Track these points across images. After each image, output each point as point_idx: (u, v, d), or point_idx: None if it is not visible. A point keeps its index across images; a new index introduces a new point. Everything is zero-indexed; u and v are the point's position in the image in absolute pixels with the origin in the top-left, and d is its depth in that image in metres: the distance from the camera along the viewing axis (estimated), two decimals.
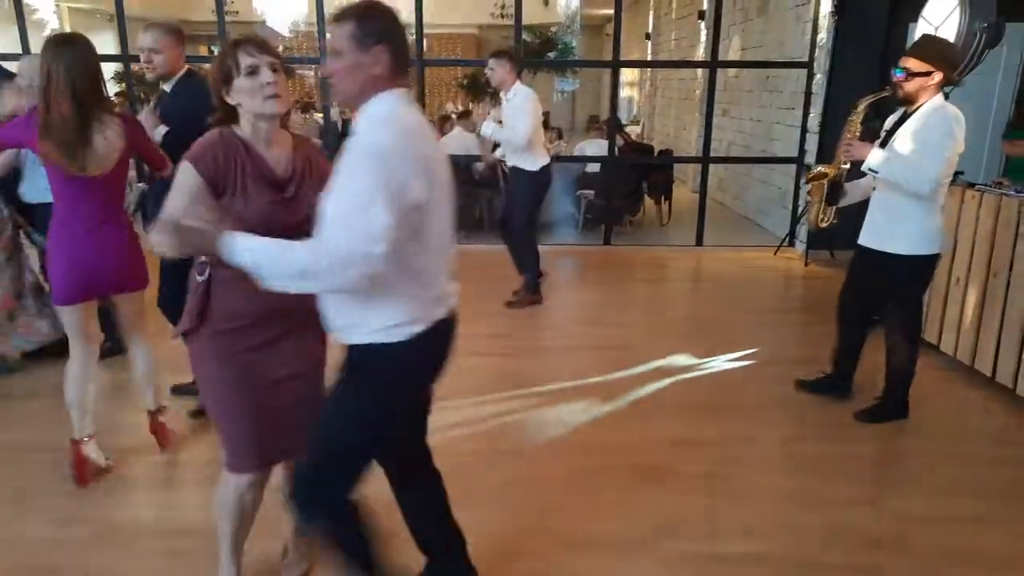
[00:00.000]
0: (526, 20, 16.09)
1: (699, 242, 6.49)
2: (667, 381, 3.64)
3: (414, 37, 5.97)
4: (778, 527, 2.47)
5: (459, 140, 7.05)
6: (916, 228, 2.89)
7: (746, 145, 8.25)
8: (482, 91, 13.25)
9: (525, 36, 13.82)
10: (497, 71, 4.39)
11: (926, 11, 4.28)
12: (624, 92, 17.75)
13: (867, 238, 3.06)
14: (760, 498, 2.64)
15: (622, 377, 3.69)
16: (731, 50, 8.55)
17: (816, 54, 5.99)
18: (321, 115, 14.39)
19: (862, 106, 3.03)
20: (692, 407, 3.36)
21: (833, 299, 4.57)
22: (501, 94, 4.49)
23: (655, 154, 8.01)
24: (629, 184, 7.09)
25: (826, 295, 4.63)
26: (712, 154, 9.79)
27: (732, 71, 8.48)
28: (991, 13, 3.88)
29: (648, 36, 13.53)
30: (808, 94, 6.11)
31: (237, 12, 18.99)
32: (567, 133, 14.29)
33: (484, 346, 4.10)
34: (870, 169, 2.86)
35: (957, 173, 4.16)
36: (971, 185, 3.86)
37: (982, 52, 3.93)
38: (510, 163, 4.65)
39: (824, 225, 3.16)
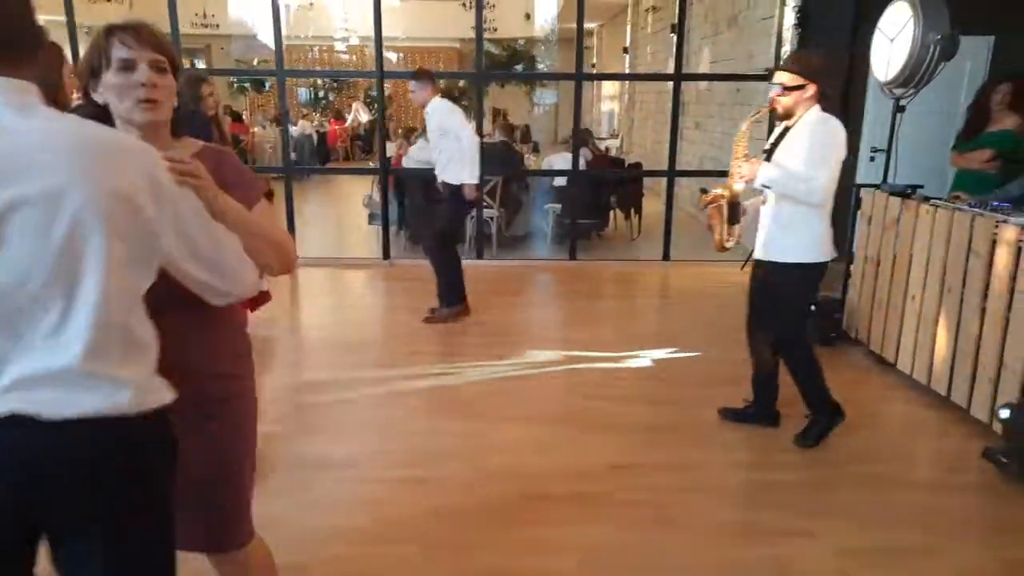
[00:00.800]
0: (507, 34, 16.01)
1: (666, 256, 6.39)
2: (614, 402, 3.51)
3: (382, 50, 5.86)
4: (715, 564, 2.34)
5: (423, 153, 6.93)
6: (803, 236, 2.86)
7: (718, 158, 8.18)
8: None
9: (493, 48, 13.81)
10: (419, 93, 4.39)
11: (882, 23, 4.21)
12: (605, 106, 17.76)
13: (759, 250, 3.01)
14: (698, 531, 2.51)
15: (566, 397, 3.57)
16: (702, 63, 8.52)
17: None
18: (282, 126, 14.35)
19: (745, 125, 2.96)
20: (638, 430, 3.23)
21: None
22: (424, 111, 4.48)
23: (625, 167, 7.92)
24: (596, 198, 7.00)
25: None
26: (685, 167, 9.77)
27: (703, 84, 8.44)
28: (945, 26, 3.81)
29: (626, 50, 13.53)
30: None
31: (218, 26, 18.98)
32: (550, 146, 14.23)
33: (422, 364, 3.97)
34: (763, 185, 2.83)
35: (915, 187, 4.13)
36: (926, 200, 3.78)
37: (937, 65, 3.85)
38: (439, 176, 4.59)
39: (729, 246, 3.08)
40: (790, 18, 5.69)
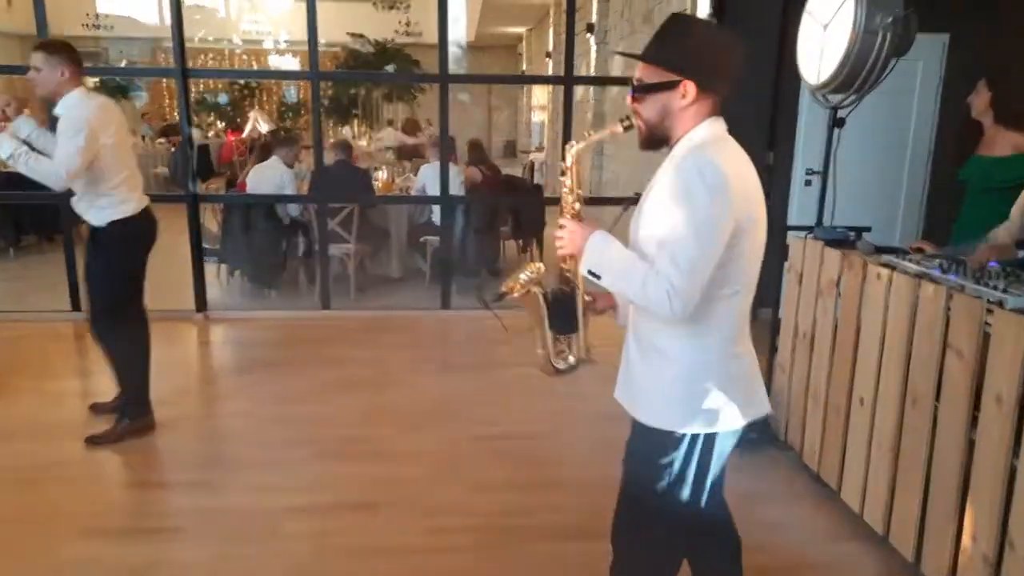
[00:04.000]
0: (432, 38, 14.83)
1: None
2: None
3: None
4: None
5: (272, 175, 5.55)
6: (667, 379, 1.51)
7: (633, 179, 7.03)
8: (346, 114, 11.80)
9: (359, 47, 12.46)
10: (44, 72, 2.82)
11: (811, 4, 3.06)
12: (536, 116, 16.68)
13: (618, 387, 1.68)
14: None
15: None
16: (614, 66, 7.39)
17: None
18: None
19: (571, 153, 1.60)
20: None
21: None
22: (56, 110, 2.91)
23: (524, 189, 6.70)
24: (481, 226, 5.74)
25: None
26: (604, 186, 8.64)
27: (615, 89, 7.31)
28: (897, 3, 2.66)
29: (548, 54, 12.42)
30: None
31: (112, 27, 17.34)
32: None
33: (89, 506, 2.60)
34: (590, 273, 1.52)
35: (860, 231, 2.97)
36: (877, 251, 2.61)
37: (887, 61, 2.70)
38: (81, 213, 3.00)
39: (563, 367, 1.71)
40: (705, 7, 4.55)
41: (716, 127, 1.49)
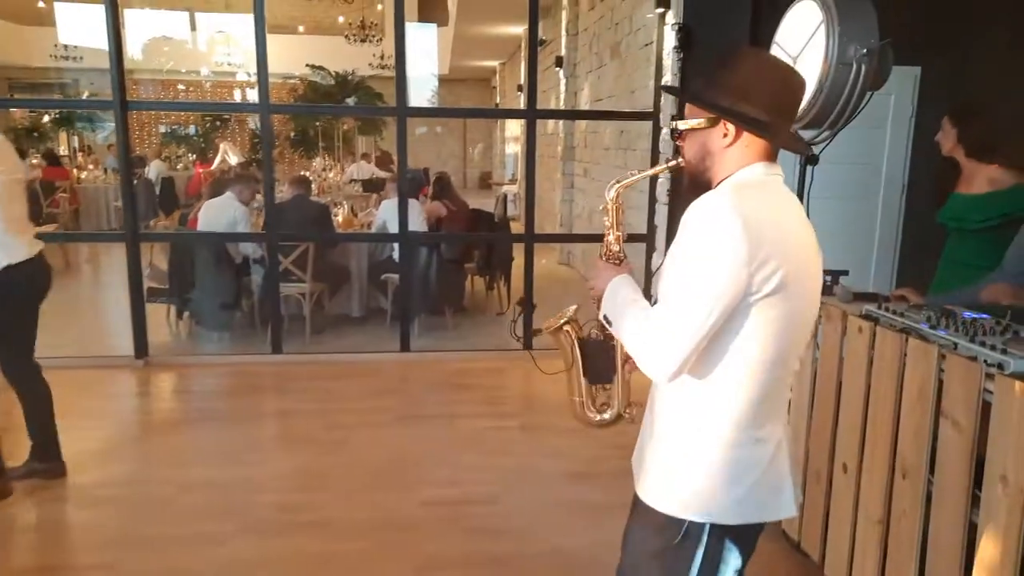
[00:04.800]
0: (409, 72, 14.81)
1: (528, 344, 4.89)
2: None
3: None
4: None
5: (224, 211, 5.27)
6: (672, 455, 1.31)
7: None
8: (313, 146, 11.57)
9: (317, 78, 12.31)
10: None
11: (780, 35, 2.89)
12: (509, 148, 16.63)
13: (634, 454, 1.47)
14: None
15: None
16: (582, 99, 7.26)
17: (661, 102, 4.63)
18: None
19: (613, 190, 1.45)
20: None
21: None
22: None
23: (493, 225, 6.47)
24: (445, 263, 5.49)
25: None
26: (575, 220, 8.46)
27: (582, 123, 7.17)
28: (871, 34, 2.50)
29: (520, 88, 12.35)
30: (656, 153, 4.73)
31: (82, 58, 17.07)
32: (460, 192, 12.73)
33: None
34: (605, 319, 1.37)
35: (837, 274, 2.77)
36: (855, 298, 2.41)
37: (862, 93, 2.53)
38: None
39: (598, 419, 1.51)
40: (671, 40, 4.40)
41: (761, 171, 1.27)
